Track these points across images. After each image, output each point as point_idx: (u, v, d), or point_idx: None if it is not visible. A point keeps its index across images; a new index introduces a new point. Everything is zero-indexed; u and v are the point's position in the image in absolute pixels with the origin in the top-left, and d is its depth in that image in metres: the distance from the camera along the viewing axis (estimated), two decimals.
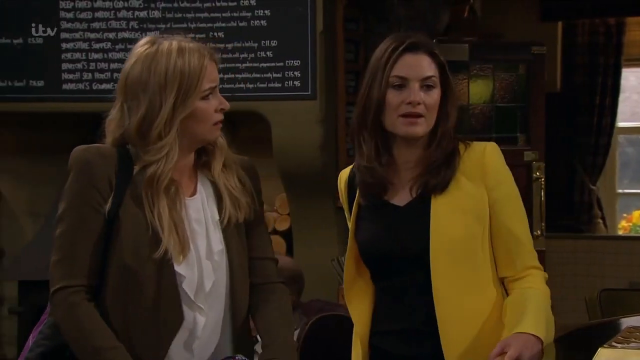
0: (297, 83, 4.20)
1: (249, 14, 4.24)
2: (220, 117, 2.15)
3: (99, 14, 4.38)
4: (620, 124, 7.17)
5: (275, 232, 4.58)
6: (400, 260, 2.21)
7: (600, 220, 7.01)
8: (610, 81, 6.89)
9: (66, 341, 2.07)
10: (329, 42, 4.27)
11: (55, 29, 4.38)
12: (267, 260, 2.27)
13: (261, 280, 2.24)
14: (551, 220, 5.85)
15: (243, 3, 4.24)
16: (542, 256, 4.68)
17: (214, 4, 4.26)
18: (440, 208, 2.19)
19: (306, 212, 4.34)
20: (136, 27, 4.32)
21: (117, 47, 4.37)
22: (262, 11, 4.23)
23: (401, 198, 2.25)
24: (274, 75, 4.22)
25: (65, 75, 4.42)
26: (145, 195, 2.06)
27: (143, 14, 4.34)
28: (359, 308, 2.29)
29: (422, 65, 2.19)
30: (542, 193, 4.87)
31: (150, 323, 2.06)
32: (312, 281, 3.86)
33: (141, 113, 2.06)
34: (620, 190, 7.38)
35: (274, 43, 4.21)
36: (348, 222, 2.36)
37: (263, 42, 4.23)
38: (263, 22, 4.23)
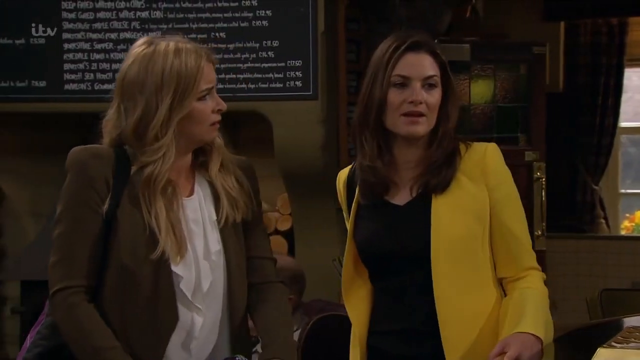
0: (298, 83, 4.20)
1: (251, 14, 4.24)
2: (217, 117, 2.15)
3: (100, 15, 4.38)
4: (623, 124, 7.16)
5: (276, 232, 4.58)
6: (400, 259, 2.21)
7: (603, 221, 7.00)
8: (613, 81, 6.89)
9: (66, 342, 2.08)
10: (330, 42, 4.27)
11: (58, 30, 4.38)
12: (266, 260, 2.28)
13: (260, 279, 2.25)
14: (553, 221, 5.85)
15: (244, 3, 4.24)
16: (542, 256, 4.73)
17: (215, 4, 4.26)
18: (441, 207, 2.19)
19: (308, 212, 4.34)
20: (138, 27, 4.33)
21: (119, 47, 4.37)
22: (263, 11, 4.23)
23: (401, 197, 2.25)
24: (276, 75, 4.23)
25: (67, 76, 4.42)
26: (142, 195, 2.06)
27: (145, 14, 4.35)
28: (358, 308, 2.29)
29: (424, 65, 2.19)
30: (543, 193, 4.86)
31: (147, 323, 2.06)
32: (313, 281, 3.86)
33: (138, 114, 2.07)
34: (622, 190, 7.38)
35: (275, 43, 4.21)
36: (346, 222, 2.36)
37: (264, 42, 4.23)
38: (264, 23, 4.23)
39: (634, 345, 1.95)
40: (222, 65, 4.22)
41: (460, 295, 2.18)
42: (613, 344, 1.97)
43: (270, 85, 4.23)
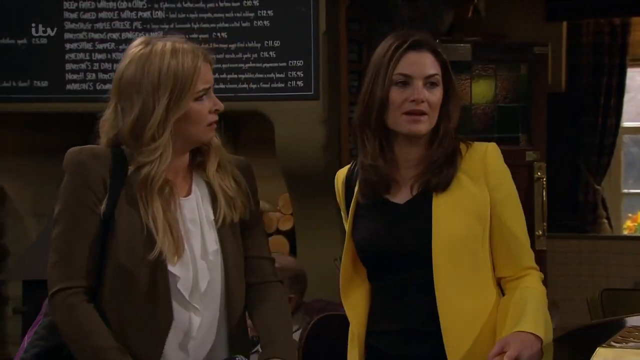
0: (300, 83, 4.20)
1: (252, 15, 4.24)
2: (214, 118, 2.16)
3: (102, 15, 4.38)
4: (626, 124, 7.16)
5: (278, 232, 4.59)
6: (400, 258, 2.21)
7: (605, 221, 7.00)
8: (615, 81, 6.88)
9: (65, 342, 2.08)
10: (331, 42, 4.27)
11: (59, 30, 4.39)
12: (264, 260, 2.28)
13: (258, 279, 2.25)
14: (556, 221, 5.84)
15: (246, 3, 4.25)
16: (543, 256, 4.73)
17: (217, 5, 4.27)
18: (442, 206, 2.19)
19: (309, 212, 4.34)
20: (140, 27, 4.33)
21: (120, 47, 4.37)
22: (265, 11, 4.23)
23: (401, 196, 2.25)
24: (277, 75, 4.23)
25: (69, 76, 4.42)
26: (139, 196, 2.07)
27: (146, 14, 4.35)
28: (356, 308, 2.29)
29: (426, 63, 2.20)
30: (544, 193, 4.86)
31: (145, 323, 2.07)
32: (315, 281, 3.86)
33: (134, 114, 2.07)
34: (625, 190, 7.37)
35: (276, 43, 4.21)
36: (344, 222, 2.36)
37: (266, 42, 4.23)
38: (266, 23, 4.23)
39: (633, 345, 1.96)
40: (224, 65, 4.23)
41: (461, 295, 2.19)
42: (612, 343, 1.97)
43: (272, 85, 4.23)
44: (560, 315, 5.80)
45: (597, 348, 1.93)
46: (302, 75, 4.20)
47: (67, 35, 4.40)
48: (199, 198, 2.18)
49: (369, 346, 2.28)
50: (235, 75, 4.24)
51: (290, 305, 3.45)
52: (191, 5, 4.29)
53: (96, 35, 4.40)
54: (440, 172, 2.21)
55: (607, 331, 2.18)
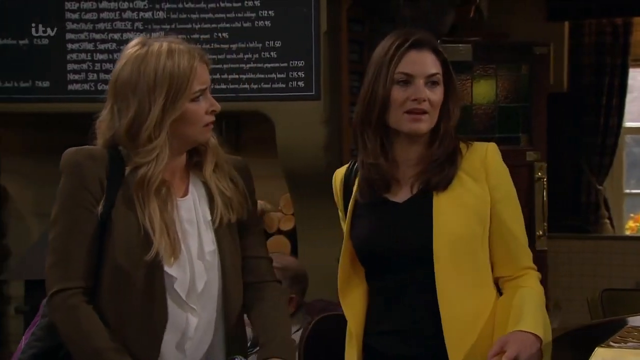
0: (301, 83, 4.20)
1: (253, 15, 4.24)
2: (211, 118, 2.15)
3: (104, 15, 4.38)
4: (628, 124, 7.17)
5: (279, 232, 4.58)
6: (400, 257, 2.21)
7: (607, 221, 7.00)
8: (617, 81, 6.89)
9: (64, 343, 2.08)
10: (333, 42, 4.26)
11: (61, 30, 4.39)
12: (261, 259, 2.28)
13: (255, 279, 2.25)
14: (557, 221, 5.84)
15: (247, 4, 4.24)
16: (544, 256, 4.72)
17: (218, 5, 4.26)
18: (443, 205, 2.19)
19: (310, 212, 4.33)
20: (141, 27, 4.33)
21: (122, 47, 4.27)
22: (266, 12, 4.22)
23: (401, 195, 2.26)
24: (278, 75, 4.22)
25: (70, 76, 4.42)
26: (136, 196, 2.07)
27: (148, 14, 4.35)
28: (354, 307, 2.29)
29: (427, 62, 2.20)
30: (544, 193, 4.86)
31: (141, 323, 2.07)
32: (316, 281, 3.86)
33: (131, 115, 2.07)
34: (627, 191, 7.38)
35: (278, 44, 4.21)
36: (341, 221, 2.37)
37: (267, 42, 4.22)
38: (267, 23, 4.23)
39: (632, 345, 1.96)
40: (225, 66, 4.23)
41: (462, 295, 2.19)
42: (611, 343, 1.97)
43: (273, 86, 4.23)
44: (563, 315, 5.80)
45: (596, 348, 1.93)
46: (303, 75, 4.19)
47: (69, 36, 4.41)
48: (196, 198, 2.18)
49: (367, 346, 2.28)
50: (237, 76, 4.24)
51: (291, 305, 3.46)
52: (192, 5, 4.29)
53: (97, 36, 4.40)
54: (441, 170, 2.21)
55: (607, 331, 2.18)
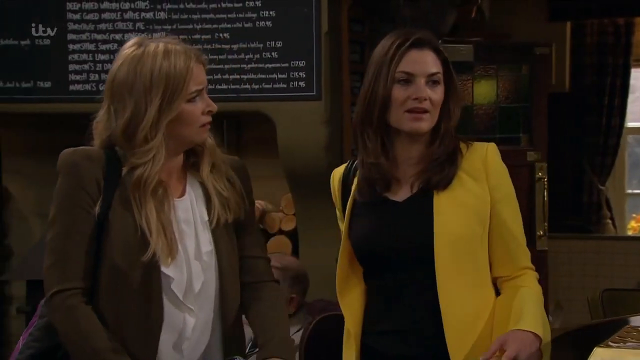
0: (302, 84, 4.20)
1: (254, 15, 4.24)
2: (207, 119, 2.15)
3: (105, 15, 4.39)
4: (630, 124, 7.17)
5: (280, 232, 4.58)
6: (399, 256, 2.21)
7: (609, 221, 7.00)
8: (619, 81, 6.89)
9: (64, 344, 2.09)
10: (334, 42, 4.26)
11: (62, 30, 4.39)
12: (259, 259, 2.28)
13: (253, 279, 2.25)
14: (559, 221, 5.84)
15: (248, 4, 4.24)
16: (544, 256, 4.72)
17: (219, 5, 4.26)
18: (443, 204, 2.20)
19: (311, 212, 4.33)
20: (142, 28, 4.33)
21: None
22: (267, 12, 4.22)
23: (401, 194, 2.26)
24: (279, 75, 4.22)
25: (72, 77, 4.43)
26: (133, 197, 2.07)
27: (149, 15, 4.35)
28: (353, 307, 2.29)
29: (428, 61, 2.20)
30: (545, 193, 4.86)
31: (138, 324, 2.07)
32: (317, 281, 3.86)
33: (127, 115, 2.07)
34: (629, 191, 7.38)
35: (279, 44, 4.21)
36: (339, 221, 2.37)
37: (268, 42, 4.22)
38: (268, 23, 4.23)
39: (631, 345, 1.96)
40: (226, 66, 4.23)
41: (463, 295, 2.19)
42: (610, 343, 1.97)
43: (274, 86, 4.23)
44: (564, 315, 5.80)
45: (595, 348, 1.93)
46: (304, 75, 4.19)
47: (70, 36, 4.41)
48: (193, 199, 2.18)
49: (365, 346, 2.28)
50: (238, 76, 4.24)
51: (292, 305, 3.46)
52: (194, 6, 4.29)
53: (99, 36, 4.40)
54: (441, 170, 2.21)
55: (607, 331, 2.18)
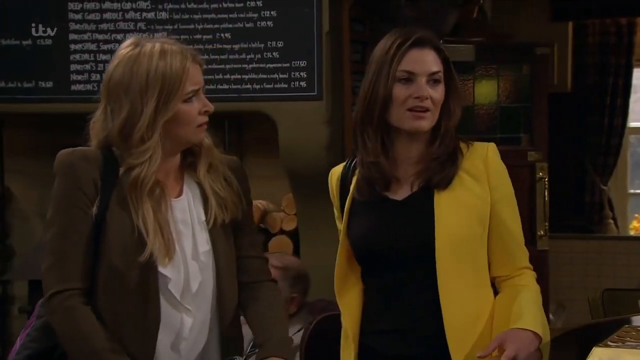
0: (303, 84, 4.20)
1: (255, 15, 4.24)
2: (204, 119, 2.15)
3: (107, 15, 4.39)
4: (632, 124, 7.17)
5: (282, 232, 4.58)
6: (399, 255, 2.20)
7: (612, 221, 7.00)
8: (622, 81, 6.89)
9: (62, 344, 2.09)
10: (335, 42, 4.26)
11: (64, 30, 4.40)
12: (256, 259, 2.28)
13: (250, 278, 2.25)
14: (561, 221, 5.83)
15: (249, 4, 4.25)
16: (545, 256, 4.71)
17: (220, 5, 4.27)
18: (444, 204, 2.19)
19: (313, 212, 4.33)
20: (144, 28, 4.33)
21: None
22: (268, 12, 4.23)
23: (400, 193, 2.25)
24: (280, 75, 4.22)
25: (73, 77, 4.43)
26: (130, 197, 2.07)
27: (151, 15, 4.35)
28: (351, 307, 2.29)
29: (429, 60, 2.20)
30: (546, 193, 4.86)
31: (136, 324, 2.07)
32: (318, 281, 3.86)
33: (123, 116, 2.07)
34: (631, 191, 7.38)
35: (280, 44, 4.21)
36: (337, 220, 2.36)
37: (269, 42, 4.22)
38: (269, 23, 4.23)
39: (630, 344, 1.96)
40: (227, 66, 4.23)
41: (464, 295, 2.19)
42: (609, 343, 1.97)
43: (275, 86, 4.23)
44: (567, 315, 5.80)
45: (594, 347, 1.93)
46: (305, 75, 4.19)
47: (72, 36, 4.41)
48: (190, 199, 2.18)
49: (364, 346, 2.27)
50: (239, 76, 4.24)
51: (293, 305, 3.46)
52: (195, 6, 4.29)
53: (100, 36, 4.41)
54: (442, 169, 2.21)
55: (607, 331, 2.18)
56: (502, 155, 2.30)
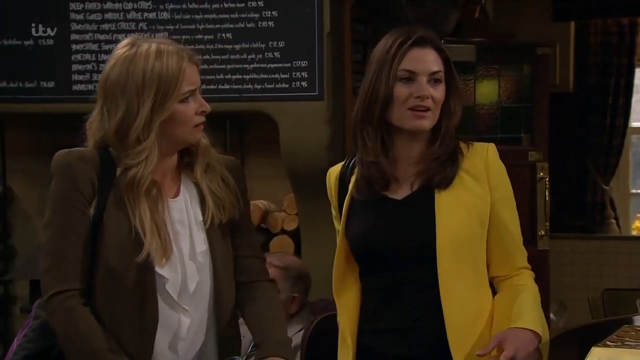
0: (304, 84, 4.20)
1: (257, 15, 4.24)
2: (201, 119, 2.14)
3: (108, 15, 4.39)
4: (634, 124, 7.17)
5: (283, 232, 4.59)
6: (398, 254, 2.20)
7: (614, 221, 7.00)
8: (623, 81, 6.90)
9: (62, 345, 2.09)
10: (336, 42, 4.26)
11: (66, 30, 4.40)
12: (254, 259, 2.28)
13: (248, 278, 2.25)
14: (563, 221, 5.83)
15: (251, 4, 4.25)
16: (545, 256, 4.71)
17: (221, 5, 4.27)
18: (445, 203, 2.19)
19: (314, 212, 4.33)
20: (145, 28, 4.34)
21: None
22: (269, 12, 4.23)
23: (400, 193, 2.25)
24: (282, 75, 4.22)
25: (75, 77, 4.43)
26: (127, 198, 2.07)
27: (152, 15, 4.35)
28: (349, 306, 2.28)
29: (430, 60, 2.20)
30: (547, 193, 4.86)
31: (134, 324, 2.08)
32: (319, 281, 3.86)
33: (119, 116, 2.07)
34: (633, 191, 7.38)
35: (281, 44, 4.21)
36: (334, 220, 2.36)
37: (270, 43, 4.22)
38: (270, 23, 4.23)
39: (629, 344, 1.95)
40: (228, 66, 4.23)
41: (464, 295, 2.19)
42: (607, 343, 1.97)
43: (276, 86, 4.23)
44: (568, 315, 5.80)
45: (592, 347, 1.93)
46: (306, 75, 4.19)
47: (74, 36, 4.42)
48: (187, 199, 2.18)
49: (362, 345, 2.27)
50: (240, 76, 4.24)
51: (294, 305, 3.46)
52: (196, 6, 4.29)
53: (102, 36, 4.41)
54: (443, 169, 2.21)
55: (606, 331, 2.18)
56: (503, 155, 2.30)
